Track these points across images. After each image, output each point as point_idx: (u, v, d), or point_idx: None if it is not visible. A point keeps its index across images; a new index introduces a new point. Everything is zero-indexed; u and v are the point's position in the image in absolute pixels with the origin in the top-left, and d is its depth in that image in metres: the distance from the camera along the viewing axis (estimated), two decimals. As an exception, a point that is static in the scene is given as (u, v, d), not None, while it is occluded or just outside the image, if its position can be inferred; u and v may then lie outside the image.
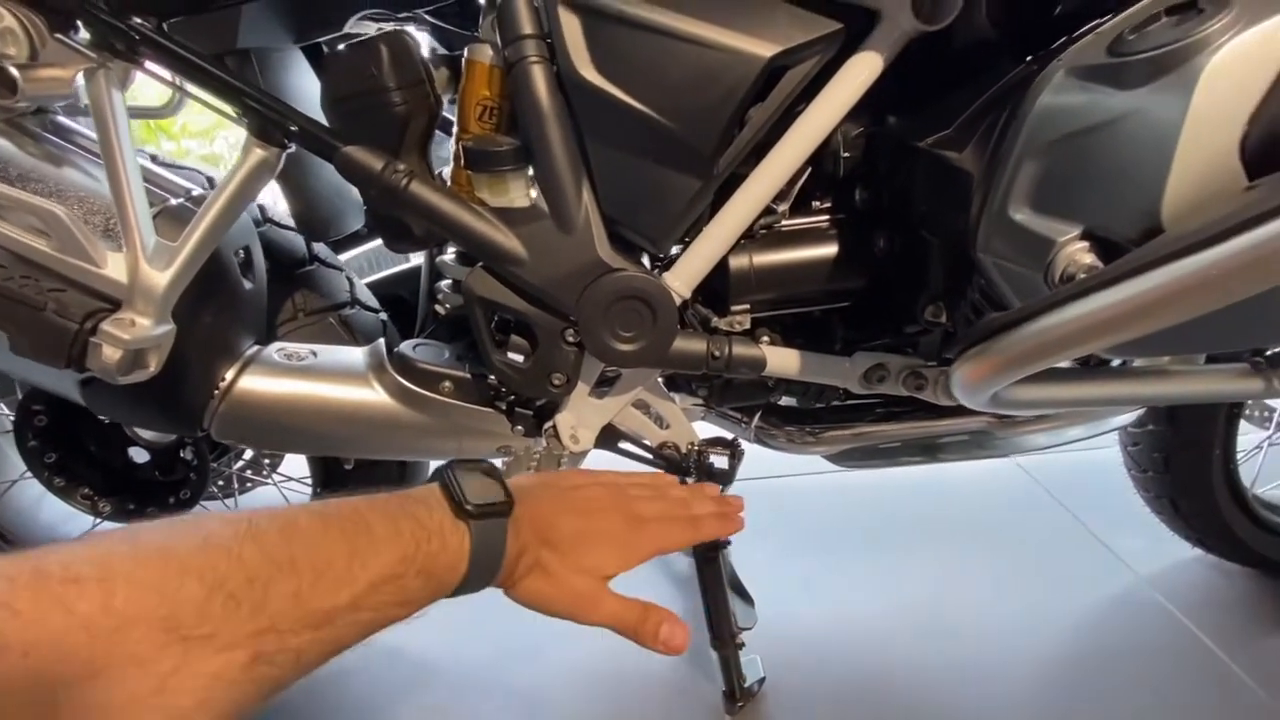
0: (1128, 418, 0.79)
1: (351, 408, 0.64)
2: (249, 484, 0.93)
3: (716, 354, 0.62)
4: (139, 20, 0.53)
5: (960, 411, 0.73)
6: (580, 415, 0.68)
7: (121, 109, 0.55)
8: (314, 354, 0.66)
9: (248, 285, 0.64)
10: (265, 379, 0.63)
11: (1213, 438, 0.88)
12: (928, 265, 0.56)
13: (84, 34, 0.55)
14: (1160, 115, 0.33)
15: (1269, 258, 0.27)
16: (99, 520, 0.87)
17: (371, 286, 0.90)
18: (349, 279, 0.82)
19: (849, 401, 0.76)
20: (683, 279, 0.60)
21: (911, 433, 0.75)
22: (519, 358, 0.64)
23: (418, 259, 0.88)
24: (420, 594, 0.35)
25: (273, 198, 0.78)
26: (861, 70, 0.55)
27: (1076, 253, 0.36)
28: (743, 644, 0.86)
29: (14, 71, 0.51)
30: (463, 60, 0.59)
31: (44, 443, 0.80)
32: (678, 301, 0.60)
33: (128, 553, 0.28)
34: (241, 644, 0.28)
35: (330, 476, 0.83)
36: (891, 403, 0.76)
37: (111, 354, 0.50)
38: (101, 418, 0.70)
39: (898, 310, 0.62)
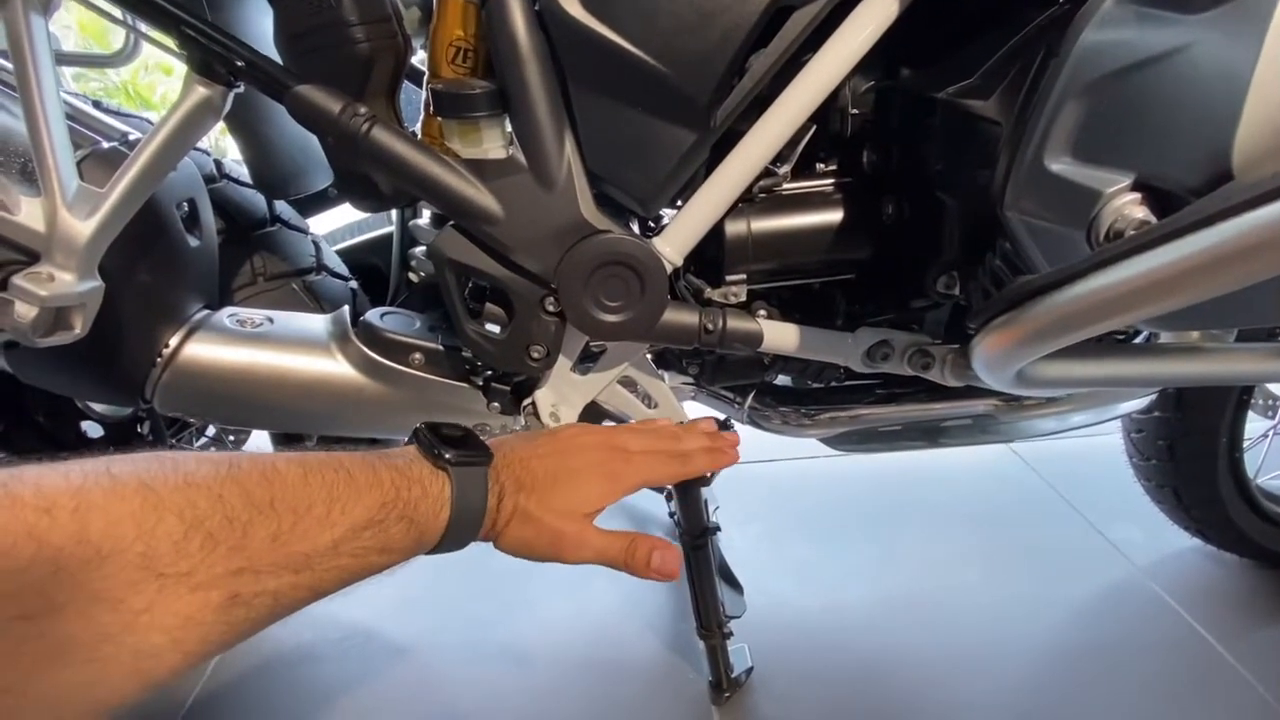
0: (1138, 403, 0.76)
1: (310, 379, 0.59)
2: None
3: (710, 328, 0.58)
4: (62, -64, 0.47)
5: (965, 393, 0.69)
6: (561, 392, 0.63)
7: (43, 38, 0.49)
8: (270, 320, 0.60)
9: (193, 242, 0.58)
10: (214, 346, 0.57)
11: (1220, 425, 0.85)
12: (941, 231, 0.52)
13: (0, -48, 0.48)
14: (1231, 42, 0.28)
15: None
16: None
17: (345, 253, 0.84)
18: (315, 242, 0.76)
19: (848, 382, 0.72)
20: (674, 245, 0.55)
21: (913, 415, 0.71)
22: (495, 328, 0.59)
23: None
24: (402, 541, 0.35)
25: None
26: (875, 15, 0.50)
27: (1126, 205, 0.31)
28: (730, 633, 0.83)
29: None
30: (434, -4, 0.53)
31: (-13, 414, 0.74)
32: (668, 269, 0.55)
33: (106, 485, 0.27)
34: (217, 584, 0.28)
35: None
36: (892, 383, 0.72)
37: (26, 311, 0.44)
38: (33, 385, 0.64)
39: (905, 282, 0.58)
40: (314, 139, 0.58)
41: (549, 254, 0.53)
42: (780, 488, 1.20)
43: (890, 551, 1.06)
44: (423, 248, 0.71)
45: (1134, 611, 0.94)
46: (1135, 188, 0.32)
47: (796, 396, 0.73)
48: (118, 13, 0.58)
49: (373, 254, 0.86)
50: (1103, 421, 0.78)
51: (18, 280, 0.44)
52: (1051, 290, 0.32)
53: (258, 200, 0.72)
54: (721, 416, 0.72)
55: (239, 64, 0.49)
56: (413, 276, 0.75)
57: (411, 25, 0.59)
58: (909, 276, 0.57)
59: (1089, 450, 1.23)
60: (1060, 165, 0.35)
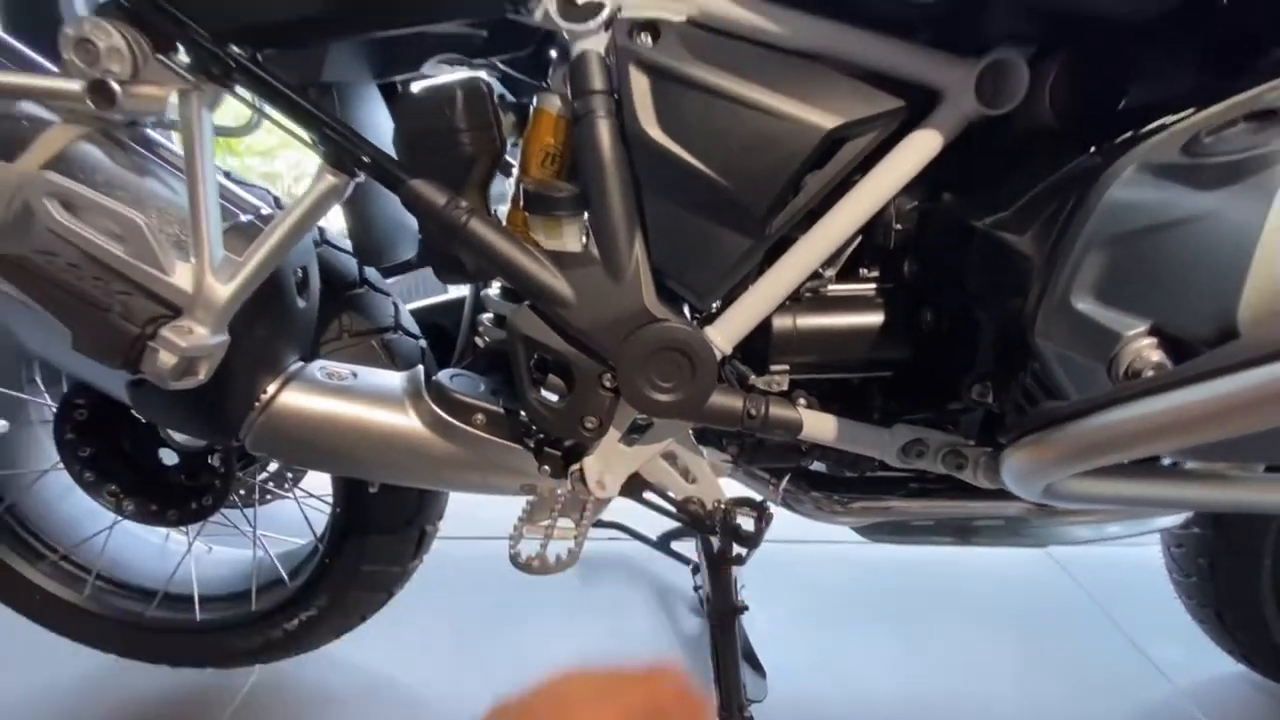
0: (1174, 519, 0.76)
1: (385, 432, 0.65)
2: (270, 496, 0.93)
3: (753, 413, 0.62)
4: (236, 49, 0.57)
5: (998, 495, 0.70)
6: (608, 461, 0.67)
7: (209, 129, 0.58)
8: (354, 375, 0.67)
9: (301, 304, 0.66)
10: (305, 395, 0.64)
11: (1263, 547, 0.84)
12: (976, 344, 0.56)
13: (183, 57, 0.58)
14: (1238, 219, 0.33)
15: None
16: (120, 518, 0.88)
17: (414, 313, 0.92)
18: (395, 304, 0.83)
19: (882, 473, 0.74)
20: (725, 334, 0.61)
21: (945, 512, 0.72)
22: (554, 397, 0.64)
23: (459, 290, 0.90)
24: None
25: (327, 219, 0.81)
26: (920, 147, 0.56)
27: (1144, 349, 0.35)
28: (750, 717, 0.82)
29: (115, 86, 0.55)
30: (531, 108, 0.62)
31: (81, 437, 0.81)
32: (718, 356, 0.60)
33: None
34: None
35: (351, 498, 0.83)
36: (926, 478, 0.74)
37: (167, 359, 0.52)
38: (140, 419, 0.72)
39: (941, 385, 0.61)
40: (409, 218, 0.66)
41: (612, 337, 0.59)
42: (810, 571, 1.20)
43: (917, 646, 1.04)
44: (490, 315, 0.78)
45: (1175, 738, 0.90)
46: (1152, 332, 0.35)
47: (831, 483, 0.75)
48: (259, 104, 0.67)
49: (438, 315, 0.94)
50: (1140, 534, 0.78)
51: (165, 332, 0.52)
52: (1076, 417, 0.36)
53: (350, 263, 0.81)
54: (758, 498, 0.75)
55: (364, 159, 0.58)
56: (479, 341, 0.82)
57: (506, 129, 0.67)
58: (945, 381, 0.60)
59: (1128, 559, 1.19)
60: (1085, 305, 0.39)
